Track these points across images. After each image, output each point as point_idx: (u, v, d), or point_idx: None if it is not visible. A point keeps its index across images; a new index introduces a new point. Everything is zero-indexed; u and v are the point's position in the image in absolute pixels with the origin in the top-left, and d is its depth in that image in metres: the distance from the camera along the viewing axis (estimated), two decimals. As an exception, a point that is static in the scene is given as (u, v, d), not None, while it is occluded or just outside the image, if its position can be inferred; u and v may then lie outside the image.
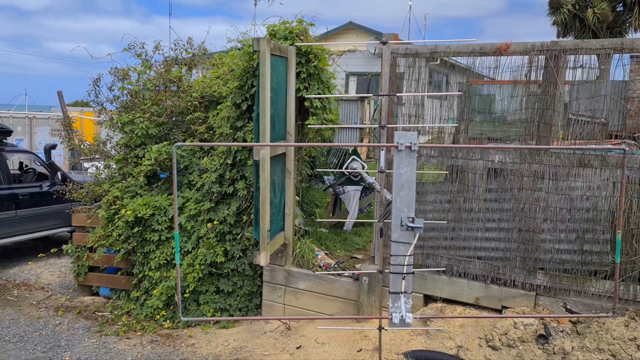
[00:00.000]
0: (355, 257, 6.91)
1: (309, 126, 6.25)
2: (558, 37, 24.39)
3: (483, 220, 5.35)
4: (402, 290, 3.17)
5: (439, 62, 6.19)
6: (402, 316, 3.18)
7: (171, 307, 6.72)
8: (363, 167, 6.83)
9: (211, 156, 6.90)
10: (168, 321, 6.64)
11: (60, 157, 16.88)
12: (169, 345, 6.06)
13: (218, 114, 6.95)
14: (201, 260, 6.55)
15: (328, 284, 6.09)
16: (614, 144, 5.48)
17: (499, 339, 4.99)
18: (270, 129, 5.88)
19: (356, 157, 7.24)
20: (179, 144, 2.95)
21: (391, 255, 3.17)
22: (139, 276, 7.18)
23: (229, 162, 6.55)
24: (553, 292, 5.11)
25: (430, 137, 7.49)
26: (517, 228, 5.20)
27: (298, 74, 6.14)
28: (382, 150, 4.40)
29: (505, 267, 5.26)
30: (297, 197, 8.25)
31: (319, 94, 6.22)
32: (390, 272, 3.18)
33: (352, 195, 8.05)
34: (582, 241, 4.92)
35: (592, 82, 4.89)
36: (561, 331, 4.91)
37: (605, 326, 4.76)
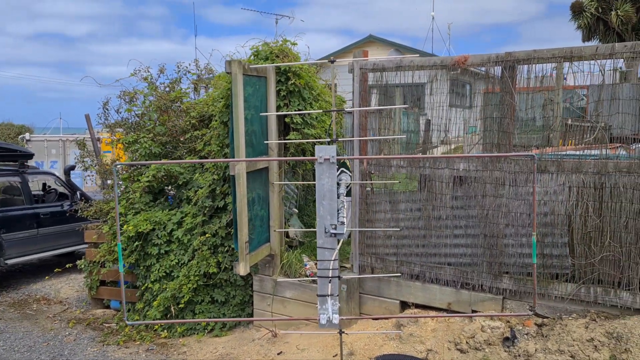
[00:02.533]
0: (344, 267, 7.12)
1: (287, 141, 6.53)
2: (583, 41, 24.05)
3: (451, 227, 5.50)
4: (329, 293, 3.39)
5: (459, 71, 6.34)
6: (329, 317, 3.40)
7: (168, 317, 7.06)
8: (351, 178, 7.05)
9: (203, 172, 7.25)
10: (165, 331, 6.99)
11: (90, 178, 17.67)
12: (162, 354, 6.39)
13: (210, 132, 7.32)
14: (195, 271, 6.88)
15: (313, 292, 6.32)
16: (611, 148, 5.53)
17: (467, 342, 5.12)
18: (250, 145, 6.20)
19: (345, 169, 7.46)
20: (118, 163, 3.28)
21: (317, 260, 3.40)
22: (142, 289, 7.56)
23: (216, 177, 6.88)
24: (519, 295, 5.21)
25: (453, 147, 7.56)
26: (483, 234, 5.33)
27: (278, 92, 6.45)
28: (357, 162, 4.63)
29: (474, 272, 5.39)
30: (295, 209, 8.53)
31: (299, 110, 6.51)
32: (318, 277, 3.41)
33: (345, 206, 8.26)
34: (542, 245, 5.02)
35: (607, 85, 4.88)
36: (526, 334, 5.00)
37: (567, 328, 4.83)
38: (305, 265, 6.92)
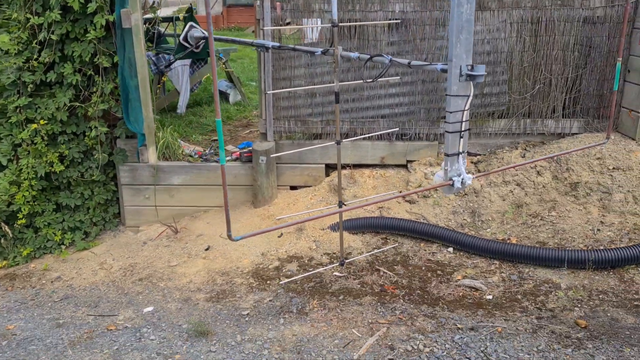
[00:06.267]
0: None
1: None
2: None
3: (386, 75, 5.09)
4: (460, 151, 2.81)
5: None
6: (462, 179, 2.86)
7: None
8: (204, 34, 5.86)
9: (11, 34, 5.05)
10: (-1, 259, 5.07)
11: None
12: (24, 288, 4.66)
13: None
14: (29, 174, 5.01)
15: (211, 172, 5.28)
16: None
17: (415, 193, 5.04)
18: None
19: (194, 24, 6.16)
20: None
21: (449, 112, 2.72)
22: None
23: (41, 38, 4.88)
24: (454, 138, 5.27)
25: None
26: (421, 80, 5.10)
27: None
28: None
29: (410, 122, 5.20)
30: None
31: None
32: (448, 132, 2.76)
33: (180, 71, 6.95)
34: (483, 84, 5.09)
35: None
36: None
37: (505, 160, 5.15)
38: (180, 143, 5.70)
